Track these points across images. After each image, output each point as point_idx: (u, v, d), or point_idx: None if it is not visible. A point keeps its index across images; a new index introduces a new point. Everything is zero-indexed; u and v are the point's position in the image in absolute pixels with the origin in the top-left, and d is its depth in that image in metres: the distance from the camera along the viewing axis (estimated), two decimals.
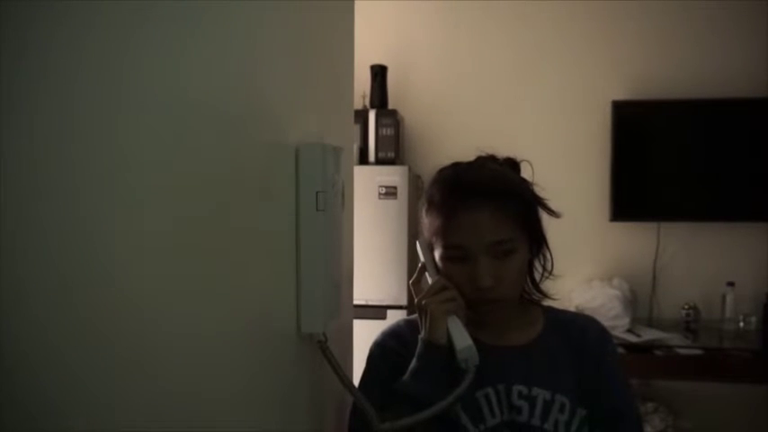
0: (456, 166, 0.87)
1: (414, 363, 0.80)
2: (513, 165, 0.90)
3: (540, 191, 0.88)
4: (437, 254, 0.84)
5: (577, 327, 0.90)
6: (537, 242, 0.86)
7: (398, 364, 0.83)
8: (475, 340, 0.84)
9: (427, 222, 0.86)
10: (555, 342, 0.87)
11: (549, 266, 0.89)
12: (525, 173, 0.91)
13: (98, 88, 0.33)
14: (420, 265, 0.88)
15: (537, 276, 0.90)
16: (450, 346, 0.79)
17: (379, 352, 0.90)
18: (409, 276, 2.54)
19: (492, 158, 0.90)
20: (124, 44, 0.36)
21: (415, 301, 0.84)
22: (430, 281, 0.84)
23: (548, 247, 0.89)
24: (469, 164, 0.88)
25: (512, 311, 0.86)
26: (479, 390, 0.82)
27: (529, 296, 0.90)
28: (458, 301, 0.81)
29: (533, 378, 0.83)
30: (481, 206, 0.79)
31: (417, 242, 0.89)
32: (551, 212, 0.88)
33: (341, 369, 0.74)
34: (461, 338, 0.78)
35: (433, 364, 0.79)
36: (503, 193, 0.81)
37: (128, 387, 0.37)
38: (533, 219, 0.85)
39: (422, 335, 0.81)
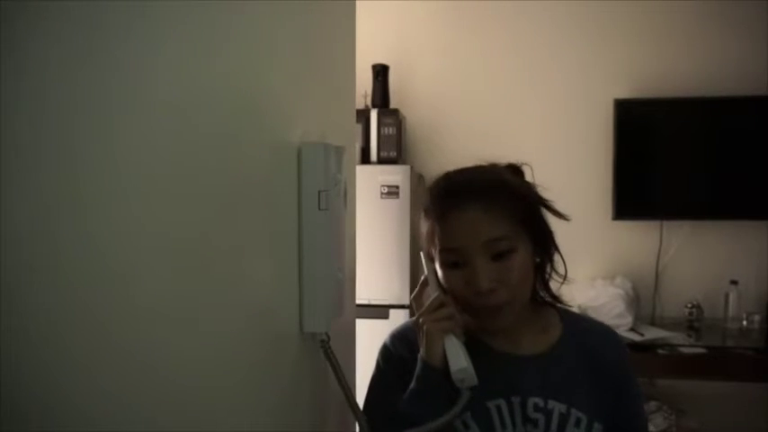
0: (448, 172, 0.86)
1: (413, 384, 0.79)
2: (514, 170, 0.88)
3: (544, 192, 0.86)
4: (437, 262, 0.82)
5: (595, 338, 0.88)
6: (542, 243, 0.84)
7: (405, 368, 0.82)
8: (487, 348, 0.82)
9: (425, 231, 0.84)
10: (571, 352, 0.84)
11: (559, 269, 0.86)
12: (528, 176, 0.89)
13: (102, 87, 0.33)
14: (422, 278, 0.86)
15: (549, 282, 0.87)
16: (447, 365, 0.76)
17: (386, 355, 0.89)
18: (411, 276, 2.55)
19: (493, 165, 0.88)
20: (127, 44, 0.36)
21: (414, 317, 0.83)
22: (431, 295, 0.82)
23: (557, 250, 0.86)
24: (462, 168, 0.86)
25: (523, 316, 0.84)
26: (491, 400, 0.80)
27: (542, 299, 0.88)
28: (455, 319, 0.79)
29: (549, 390, 0.81)
30: (473, 205, 0.78)
31: (421, 254, 0.87)
32: (558, 214, 0.85)
33: (341, 370, 0.74)
34: (457, 359, 0.75)
35: (431, 385, 0.77)
36: (495, 191, 0.80)
37: (129, 386, 0.37)
38: (534, 218, 0.83)
39: (420, 353, 0.79)
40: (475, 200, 0.78)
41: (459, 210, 0.78)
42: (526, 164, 0.89)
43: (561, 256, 0.87)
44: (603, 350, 0.86)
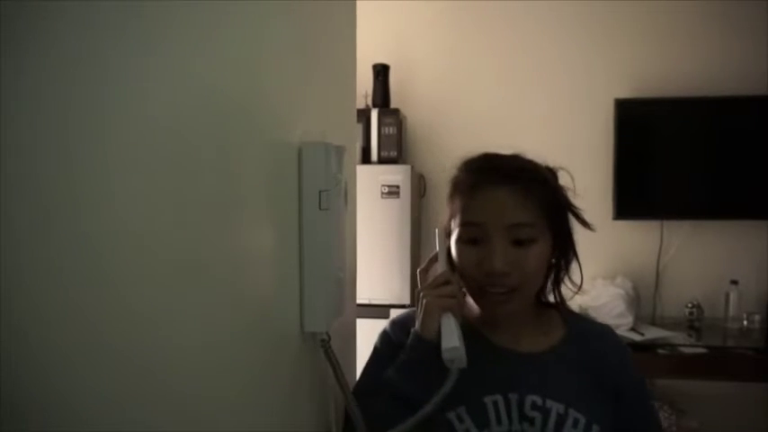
0: (487, 153, 0.85)
1: (402, 355, 0.78)
2: (550, 171, 0.87)
3: (574, 199, 0.86)
4: (453, 236, 0.81)
5: (597, 340, 0.87)
6: (562, 243, 0.84)
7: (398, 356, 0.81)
8: (487, 342, 0.82)
9: (449, 206, 0.84)
10: (573, 353, 0.84)
11: (573, 275, 0.86)
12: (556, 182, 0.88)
13: (101, 88, 0.33)
14: (433, 254, 0.86)
15: (562, 288, 0.87)
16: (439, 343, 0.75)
17: (385, 339, 0.89)
18: (412, 275, 2.55)
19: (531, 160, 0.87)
20: (128, 43, 0.36)
21: (417, 289, 0.83)
22: (439, 271, 0.82)
23: (576, 257, 0.86)
24: (499, 153, 0.86)
25: (526, 314, 0.84)
26: (488, 395, 0.79)
27: (547, 301, 0.88)
28: (457, 299, 0.78)
29: (548, 389, 0.80)
30: (507, 186, 0.78)
31: (437, 230, 0.87)
32: (584, 223, 0.85)
33: (340, 370, 0.74)
34: (450, 338, 0.74)
35: (420, 359, 0.76)
36: (531, 178, 0.79)
37: (128, 387, 0.37)
38: (560, 218, 0.83)
39: (415, 326, 0.79)
40: (510, 181, 0.78)
41: (492, 186, 0.78)
42: (563, 168, 0.88)
43: (579, 264, 0.86)
44: (605, 353, 0.86)
